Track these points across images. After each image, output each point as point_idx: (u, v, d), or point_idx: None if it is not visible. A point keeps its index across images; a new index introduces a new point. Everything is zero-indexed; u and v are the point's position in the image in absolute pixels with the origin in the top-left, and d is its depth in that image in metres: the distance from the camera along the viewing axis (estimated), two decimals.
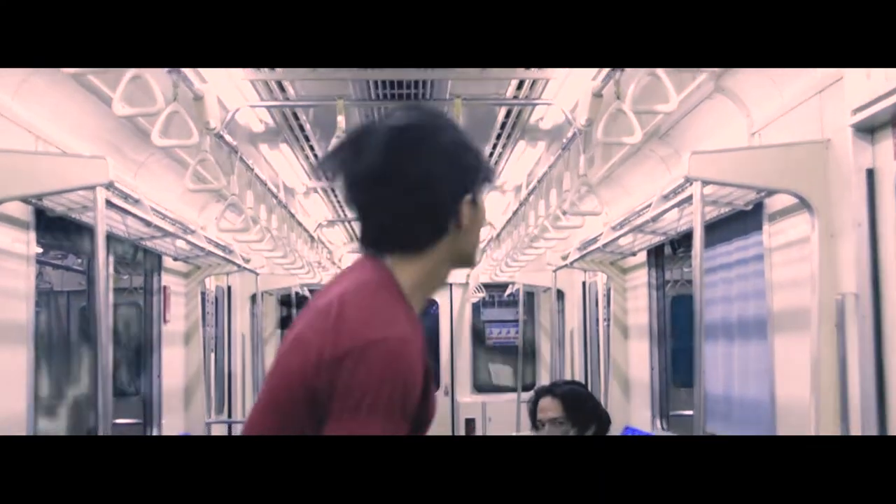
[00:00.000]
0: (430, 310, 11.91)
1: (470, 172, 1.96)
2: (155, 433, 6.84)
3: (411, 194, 1.86)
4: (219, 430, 8.69)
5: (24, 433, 4.44)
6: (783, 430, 4.49)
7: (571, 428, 4.81)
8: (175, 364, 7.29)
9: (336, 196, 9.05)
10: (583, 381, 9.03)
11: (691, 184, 3.86)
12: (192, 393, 7.54)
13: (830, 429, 3.70)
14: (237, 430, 9.25)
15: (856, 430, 3.59)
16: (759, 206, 4.65)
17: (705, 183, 3.88)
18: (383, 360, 1.75)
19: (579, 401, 4.83)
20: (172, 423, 7.10)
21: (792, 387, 4.32)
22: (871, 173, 3.53)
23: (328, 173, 1.94)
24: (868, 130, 3.45)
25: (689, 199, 4.19)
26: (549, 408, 4.86)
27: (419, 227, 1.89)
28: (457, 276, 11.61)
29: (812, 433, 3.73)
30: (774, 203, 4.52)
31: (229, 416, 9.26)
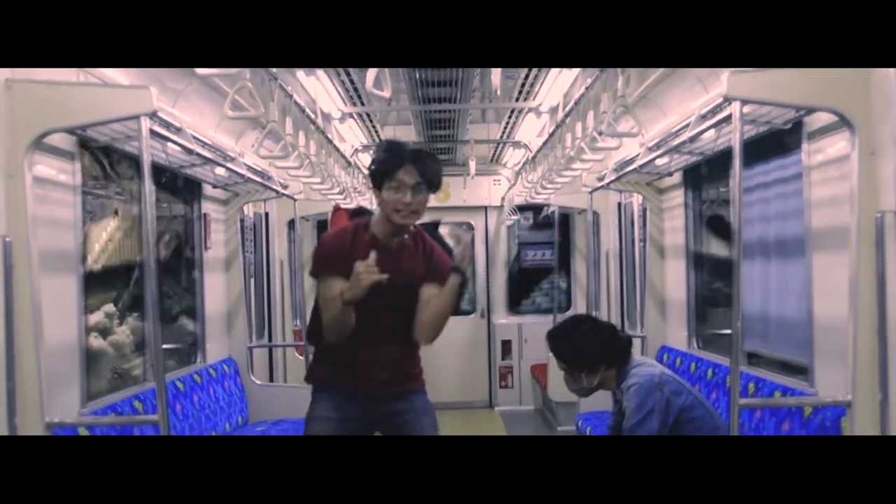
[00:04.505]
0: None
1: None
2: (199, 359, 7.03)
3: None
4: (260, 354, 8.88)
5: (75, 359, 4.60)
6: (820, 349, 4.54)
7: (567, 367, 4.66)
8: (217, 290, 7.45)
9: (371, 121, 9.04)
10: (589, 313, 8.84)
11: (730, 103, 3.83)
12: (234, 318, 7.70)
13: (868, 346, 3.73)
14: (278, 354, 9.44)
15: (893, 346, 3.63)
16: (798, 125, 4.63)
17: (744, 102, 3.86)
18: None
19: (557, 342, 4.73)
20: (216, 349, 7.28)
21: (830, 305, 4.35)
22: None
23: None
24: None
25: (728, 118, 4.17)
26: None
27: None
28: (492, 198, 11.63)
29: (850, 352, 3.76)
30: (814, 121, 4.50)
31: (270, 340, 9.44)
